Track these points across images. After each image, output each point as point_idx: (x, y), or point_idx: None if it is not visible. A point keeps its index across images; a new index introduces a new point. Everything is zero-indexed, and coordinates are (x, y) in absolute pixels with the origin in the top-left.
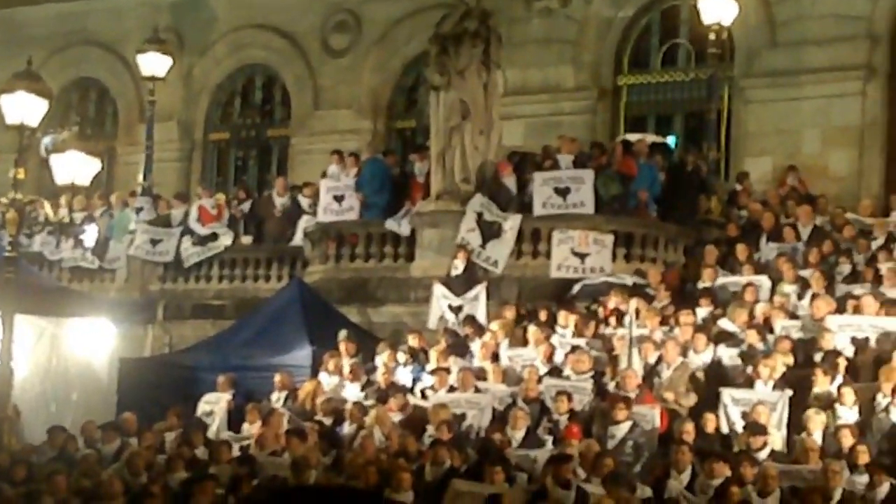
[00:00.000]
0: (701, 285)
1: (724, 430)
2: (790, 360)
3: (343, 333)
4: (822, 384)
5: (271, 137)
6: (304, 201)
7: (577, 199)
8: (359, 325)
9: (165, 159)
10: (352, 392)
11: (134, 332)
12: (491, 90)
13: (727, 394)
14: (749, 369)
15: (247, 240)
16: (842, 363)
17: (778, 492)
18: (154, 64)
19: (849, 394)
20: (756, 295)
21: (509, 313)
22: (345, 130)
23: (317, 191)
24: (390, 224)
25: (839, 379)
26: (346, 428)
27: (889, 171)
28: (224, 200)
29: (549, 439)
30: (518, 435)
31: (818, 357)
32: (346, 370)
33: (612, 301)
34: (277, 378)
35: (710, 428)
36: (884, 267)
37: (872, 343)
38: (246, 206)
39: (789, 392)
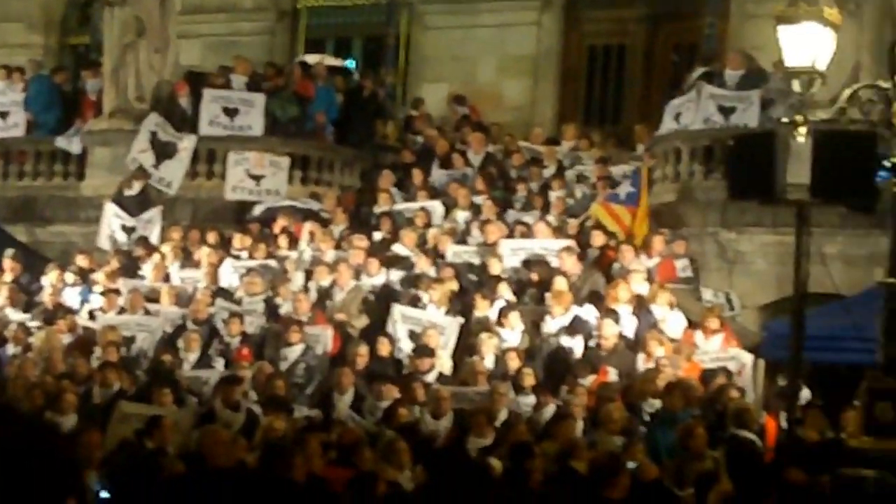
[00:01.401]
0: (377, 210)
1: (398, 346)
2: (454, 285)
3: (8, 252)
4: (482, 308)
5: None
6: None
7: (245, 121)
8: (26, 244)
9: None
10: (16, 314)
11: None
12: (167, 8)
13: (398, 310)
14: (414, 292)
15: None
16: (503, 287)
17: (451, 414)
18: None
19: (513, 317)
20: (428, 220)
21: (177, 234)
22: (15, 45)
23: None
24: (60, 142)
25: (502, 303)
26: (11, 350)
27: (561, 101)
28: None
29: (221, 361)
30: (192, 357)
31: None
32: (5, 294)
33: (281, 222)
34: None
35: (383, 352)
36: (554, 195)
37: (543, 266)
38: None
39: (460, 319)
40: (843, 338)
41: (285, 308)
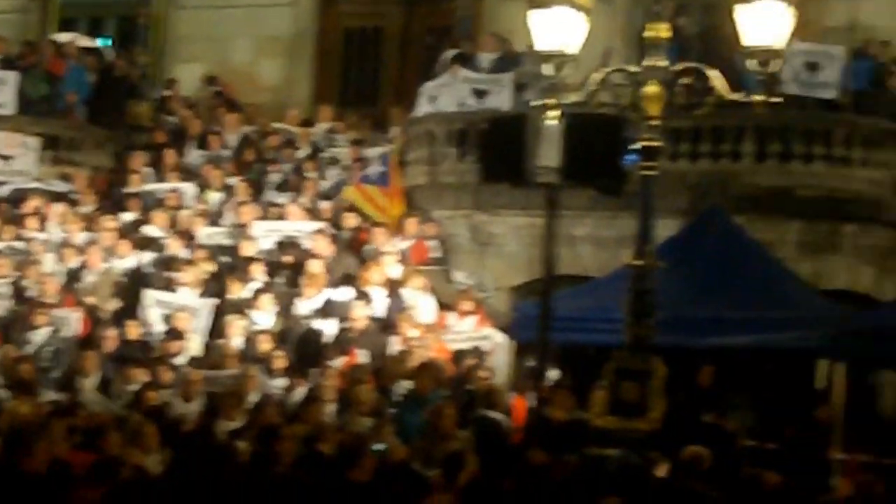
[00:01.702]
0: (128, 191)
1: (149, 330)
2: (211, 267)
3: None
4: (235, 290)
5: None
6: None
7: None
8: None
9: None
10: None
11: None
12: None
13: (151, 296)
14: (166, 274)
15: None
16: (257, 269)
17: (203, 397)
18: None
19: (266, 299)
20: (180, 201)
21: None
22: None
23: None
24: None
25: (256, 285)
26: None
27: (317, 82)
28: None
29: None
30: None
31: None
32: None
33: (32, 204)
34: None
35: (133, 334)
36: (308, 177)
37: (296, 248)
38: None
39: (215, 300)
40: (590, 319)
41: (33, 291)
